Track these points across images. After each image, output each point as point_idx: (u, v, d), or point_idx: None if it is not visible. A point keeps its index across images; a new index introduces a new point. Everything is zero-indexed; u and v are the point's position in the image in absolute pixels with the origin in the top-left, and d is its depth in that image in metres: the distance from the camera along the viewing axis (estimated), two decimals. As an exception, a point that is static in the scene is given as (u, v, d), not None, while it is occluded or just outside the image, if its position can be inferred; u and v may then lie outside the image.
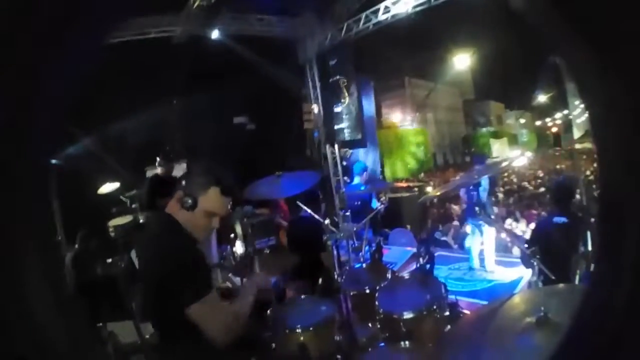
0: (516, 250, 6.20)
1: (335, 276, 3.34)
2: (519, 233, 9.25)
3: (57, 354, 0.56)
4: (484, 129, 43.67)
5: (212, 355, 1.99)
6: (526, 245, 4.17)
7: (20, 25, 0.47)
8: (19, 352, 0.52)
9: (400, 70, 33.29)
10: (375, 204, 6.58)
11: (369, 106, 11.81)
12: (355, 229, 4.44)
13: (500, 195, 13.91)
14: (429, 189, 13.15)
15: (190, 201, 2.04)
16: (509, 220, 10.58)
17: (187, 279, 1.88)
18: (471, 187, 6.19)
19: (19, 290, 0.52)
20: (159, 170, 5.61)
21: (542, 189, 14.90)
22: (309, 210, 3.76)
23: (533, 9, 0.58)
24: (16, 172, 0.51)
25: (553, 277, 2.78)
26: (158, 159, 5.61)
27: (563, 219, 3.70)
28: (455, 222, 10.42)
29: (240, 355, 2.20)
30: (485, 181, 6.51)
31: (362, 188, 6.56)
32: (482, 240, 6.34)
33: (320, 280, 3.28)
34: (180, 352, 2.02)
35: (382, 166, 16.06)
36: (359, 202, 6.52)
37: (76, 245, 5.65)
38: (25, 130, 0.51)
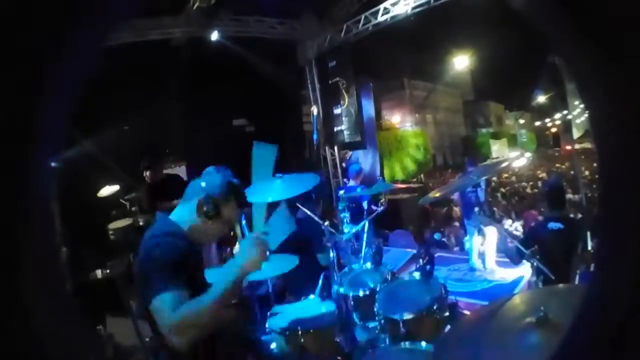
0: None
1: (335, 278, 3.35)
2: (516, 233, 9.28)
3: (56, 355, 0.56)
4: (484, 130, 43.71)
5: (210, 354, 1.98)
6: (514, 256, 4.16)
7: (21, 25, 0.47)
8: (18, 354, 0.51)
9: (400, 72, 33.32)
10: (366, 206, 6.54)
11: (369, 108, 11.78)
12: (354, 230, 4.44)
13: (500, 196, 13.92)
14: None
15: (213, 210, 2.01)
16: (509, 221, 10.60)
17: (164, 276, 1.81)
18: (469, 189, 6.20)
19: (17, 292, 0.52)
20: (147, 177, 5.57)
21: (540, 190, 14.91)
22: (308, 212, 3.76)
23: (533, 7, 0.58)
24: (18, 173, 0.51)
25: (552, 277, 2.79)
26: (142, 166, 5.56)
27: (559, 225, 3.66)
28: (456, 224, 10.42)
29: (237, 355, 2.19)
30: (483, 182, 6.51)
31: (358, 190, 6.55)
32: (482, 241, 6.35)
33: (320, 282, 3.29)
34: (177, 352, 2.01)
35: (382, 168, 16.04)
36: (354, 205, 6.50)
37: (76, 248, 5.64)
38: (27, 131, 0.51)
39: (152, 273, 1.83)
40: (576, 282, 3.03)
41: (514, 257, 3.89)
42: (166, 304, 1.75)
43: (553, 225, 3.71)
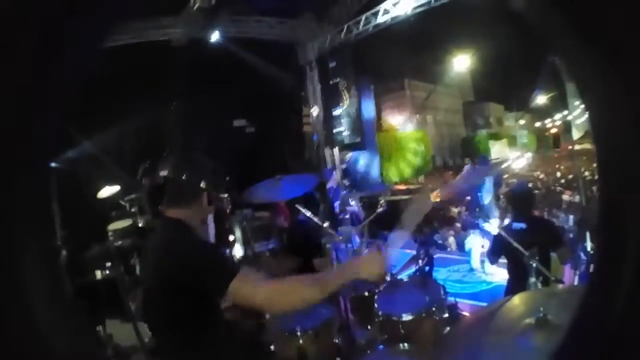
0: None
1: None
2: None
3: (57, 356, 0.56)
4: (484, 131, 43.66)
5: (211, 358, 1.97)
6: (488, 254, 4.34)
7: (20, 25, 0.47)
8: (20, 354, 0.51)
9: (400, 73, 33.29)
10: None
11: (369, 109, 11.82)
12: (354, 231, 4.44)
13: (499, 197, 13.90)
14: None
15: (187, 193, 2.01)
16: (507, 222, 10.55)
17: (212, 271, 1.84)
18: (476, 189, 6.23)
19: (18, 292, 0.52)
20: (145, 181, 5.56)
21: (540, 191, 14.93)
22: (308, 214, 3.76)
23: (533, 8, 0.58)
24: (17, 172, 0.51)
25: (553, 278, 2.79)
26: (140, 173, 5.55)
27: (522, 225, 3.81)
28: (457, 224, 10.39)
29: (239, 358, 2.18)
30: (489, 183, 6.53)
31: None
32: (483, 243, 6.34)
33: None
34: (180, 355, 2.00)
35: (382, 169, 16.04)
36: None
37: (76, 248, 5.64)
38: (26, 131, 0.51)
39: (211, 265, 1.85)
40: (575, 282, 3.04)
41: (489, 257, 4.08)
42: (249, 278, 1.79)
43: (516, 225, 3.86)
